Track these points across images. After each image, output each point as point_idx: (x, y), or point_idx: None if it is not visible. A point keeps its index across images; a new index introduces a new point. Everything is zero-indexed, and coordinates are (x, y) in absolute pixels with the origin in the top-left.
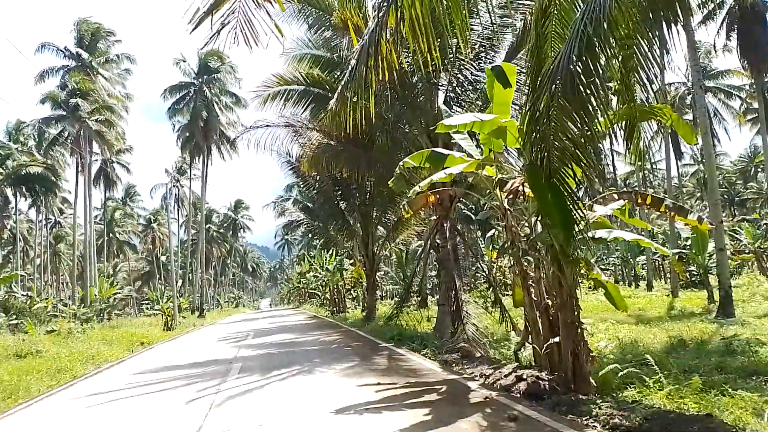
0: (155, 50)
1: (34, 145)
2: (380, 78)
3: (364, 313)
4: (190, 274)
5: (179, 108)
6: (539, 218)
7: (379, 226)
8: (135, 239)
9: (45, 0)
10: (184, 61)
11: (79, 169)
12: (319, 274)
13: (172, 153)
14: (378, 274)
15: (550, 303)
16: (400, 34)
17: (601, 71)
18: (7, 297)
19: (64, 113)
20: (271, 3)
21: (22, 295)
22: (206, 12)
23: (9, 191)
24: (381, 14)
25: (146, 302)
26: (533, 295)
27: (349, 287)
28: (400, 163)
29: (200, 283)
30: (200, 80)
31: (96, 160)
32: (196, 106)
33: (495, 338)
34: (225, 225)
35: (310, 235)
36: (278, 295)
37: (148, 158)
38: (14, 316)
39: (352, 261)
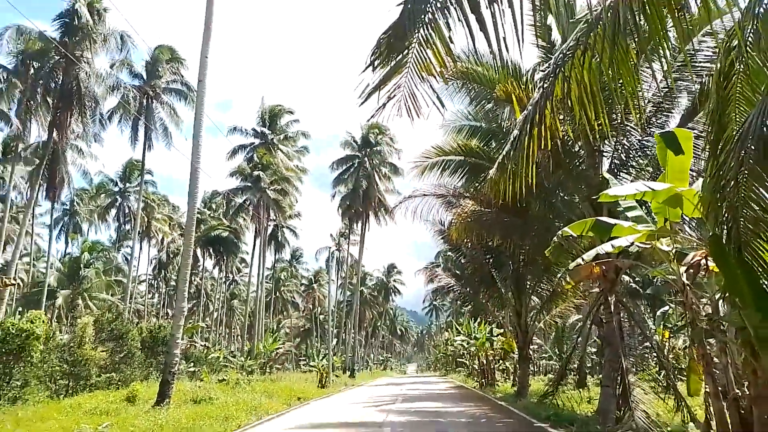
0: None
1: (222, 212)
2: (542, 147)
3: (515, 388)
4: (344, 334)
5: (344, 178)
6: (725, 296)
7: (533, 297)
8: (298, 298)
9: (233, 81)
10: (352, 138)
11: (256, 233)
12: (468, 342)
13: (333, 218)
14: (530, 347)
15: (740, 394)
16: (566, 104)
17: None
18: (189, 345)
19: (249, 184)
20: (435, 77)
21: (201, 345)
22: (375, 87)
23: (199, 252)
24: (547, 85)
25: (303, 358)
26: (718, 384)
27: (499, 358)
28: (559, 232)
29: (352, 344)
30: (363, 153)
31: (269, 225)
32: (359, 176)
33: (669, 429)
34: (378, 288)
35: (458, 302)
36: (425, 361)
37: (313, 223)
38: (192, 364)
39: (502, 331)
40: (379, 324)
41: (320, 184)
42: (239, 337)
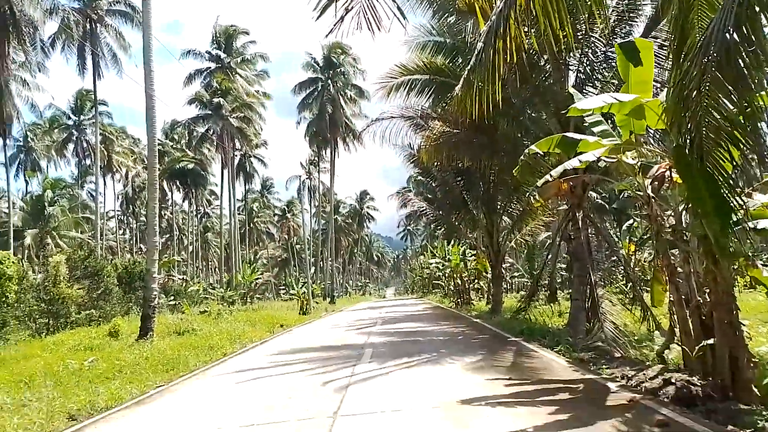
0: (281, 44)
1: (185, 143)
2: (507, 61)
3: (490, 306)
4: (321, 262)
5: (308, 103)
6: (689, 207)
7: (504, 216)
8: (272, 229)
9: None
10: (313, 59)
11: (223, 163)
12: (443, 264)
13: (301, 146)
14: (503, 265)
15: (701, 301)
16: (531, 12)
17: (762, 41)
18: (167, 280)
19: (209, 112)
20: None
21: (179, 278)
22: None
23: (165, 185)
24: None
25: (283, 287)
26: (681, 293)
27: (473, 278)
28: (526, 150)
29: (330, 271)
30: (326, 75)
31: (236, 156)
32: (323, 100)
33: (635, 338)
34: (351, 215)
35: (432, 226)
36: (402, 285)
37: (280, 152)
38: (172, 297)
39: (476, 252)
40: (355, 251)
41: (283, 110)
42: (217, 269)
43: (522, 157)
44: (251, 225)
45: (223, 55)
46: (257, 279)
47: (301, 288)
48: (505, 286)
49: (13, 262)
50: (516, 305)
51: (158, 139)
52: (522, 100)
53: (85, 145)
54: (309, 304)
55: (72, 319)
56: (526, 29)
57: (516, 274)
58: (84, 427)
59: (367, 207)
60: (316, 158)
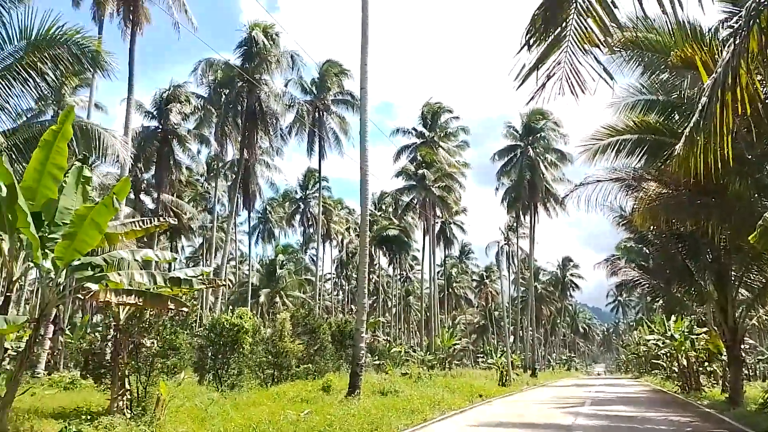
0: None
1: (392, 212)
2: (739, 113)
3: (725, 394)
4: (521, 331)
5: (506, 170)
6: None
7: (741, 289)
8: (470, 294)
9: (393, 82)
10: (512, 128)
11: (425, 230)
12: (663, 342)
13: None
14: (742, 346)
15: None
16: (765, 60)
17: None
18: (373, 340)
19: (414, 183)
20: (600, 48)
21: (383, 339)
22: (532, 67)
23: (373, 250)
24: (738, 41)
25: (481, 355)
26: None
27: (703, 360)
28: (766, 213)
29: (531, 341)
30: (525, 141)
31: (437, 223)
32: (522, 166)
33: None
34: (553, 283)
35: (648, 298)
36: (614, 362)
37: (479, 218)
38: (377, 357)
39: (705, 329)
40: (558, 321)
41: (482, 177)
42: (417, 332)
43: (761, 222)
44: (450, 290)
45: (427, 132)
46: (455, 344)
47: (500, 357)
48: (745, 371)
49: (250, 317)
50: (763, 396)
51: (369, 209)
52: (759, 156)
53: (308, 215)
54: (509, 375)
55: (292, 371)
56: (760, 77)
57: (761, 357)
58: None
59: (571, 274)
60: (515, 224)
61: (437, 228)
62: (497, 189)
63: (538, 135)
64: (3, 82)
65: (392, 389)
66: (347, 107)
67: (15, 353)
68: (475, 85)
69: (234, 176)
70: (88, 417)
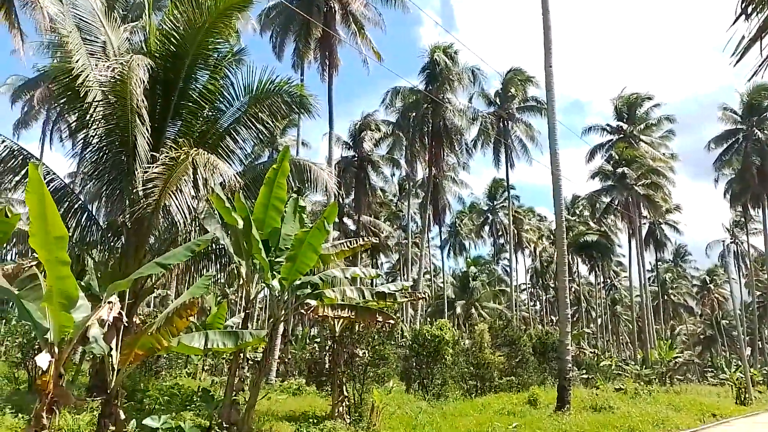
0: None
1: (588, 215)
2: None
3: None
4: (759, 342)
5: (725, 159)
6: None
7: None
8: (690, 301)
9: (579, 79)
10: (729, 110)
11: (630, 233)
12: None
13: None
14: None
15: None
16: None
17: None
18: (578, 352)
19: (613, 183)
20: None
21: (590, 351)
22: (753, 37)
23: (570, 258)
24: None
25: (710, 369)
26: None
27: None
28: None
29: None
30: (748, 123)
31: (644, 224)
32: (747, 152)
33: None
34: None
35: None
36: None
37: (696, 215)
38: (584, 371)
39: None
40: None
41: (697, 169)
42: (628, 344)
43: None
44: (665, 297)
45: (624, 126)
46: (676, 357)
47: (734, 372)
48: None
49: (449, 328)
50: None
51: (563, 215)
52: None
53: (498, 226)
54: (748, 392)
55: (495, 383)
56: None
57: None
58: None
59: None
60: (742, 219)
61: (645, 230)
62: (716, 181)
63: (766, 114)
64: (234, 132)
65: (606, 405)
66: (533, 113)
67: (252, 362)
68: (677, 66)
69: (424, 194)
70: (314, 421)
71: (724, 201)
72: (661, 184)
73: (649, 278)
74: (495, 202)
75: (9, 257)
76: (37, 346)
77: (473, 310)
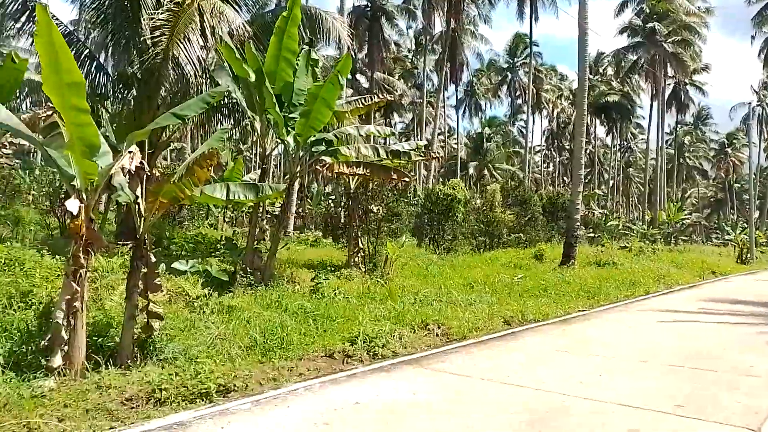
0: None
1: (612, 75)
2: None
3: None
4: None
5: (767, 15)
6: None
7: None
8: (706, 165)
9: None
10: None
11: (653, 94)
12: None
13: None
14: None
15: None
16: None
17: None
18: (587, 212)
19: (641, 40)
20: None
21: (599, 212)
22: None
23: (588, 119)
24: None
25: (715, 231)
26: None
27: None
28: None
29: None
30: None
31: (669, 84)
32: None
33: None
34: None
35: None
36: None
37: (723, 76)
38: (591, 230)
39: None
40: None
41: (733, 24)
42: (637, 206)
43: None
44: (680, 160)
45: None
46: (683, 219)
47: (740, 233)
48: None
49: (461, 188)
50: None
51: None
52: None
53: (516, 85)
54: (750, 253)
55: (503, 240)
56: None
57: None
58: (517, 332)
59: None
60: None
61: (668, 91)
62: (753, 38)
63: None
64: None
65: (610, 261)
66: None
67: (270, 215)
68: None
69: (441, 50)
70: (332, 269)
71: (759, 61)
72: (692, 42)
73: (667, 141)
74: (515, 59)
75: (24, 107)
76: (62, 195)
77: (486, 171)
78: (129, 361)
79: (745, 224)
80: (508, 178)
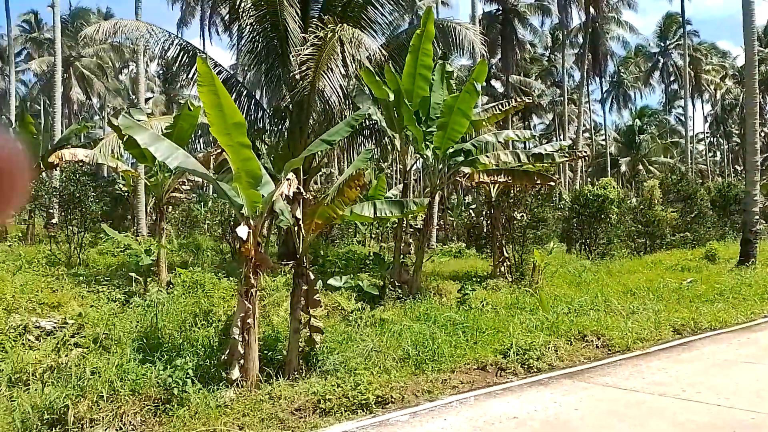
0: None
1: None
2: None
3: None
4: None
5: None
6: None
7: None
8: None
9: None
10: None
11: None
12: None
13: None
14: None
15: None
16: None
17: None
18: (766, 203)
19: None
20: None
21: None
22: None
23: (760, 98)
24: None
25: None
26: None
27: None
28: None
29: None
30: None
31: None
32: None
33: None
34: None
35: None
36: None
37: None
38: None
39: None
40: None
41: None
42: None
43: None
44: None
45: None
46: None
47: None
48: None
49: (613, 187)
50: None
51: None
52: None
53: (670, 69)
54: None
55: (667, 240)
56: None
57: None
58: (690, 341)
59: None
60: None
61: None
62: None
63: None
64: (378, 2)
65: None
66: None
67: (414, 229)
68: None
69: (581, 42)
70: (477, 279)
71: None
72: None
73: None
74: (667, 42)
75: (197, 147)
76: (232, 222)
77: (640, 167)
78: (296, 373)
79: None
80: (667, 172)
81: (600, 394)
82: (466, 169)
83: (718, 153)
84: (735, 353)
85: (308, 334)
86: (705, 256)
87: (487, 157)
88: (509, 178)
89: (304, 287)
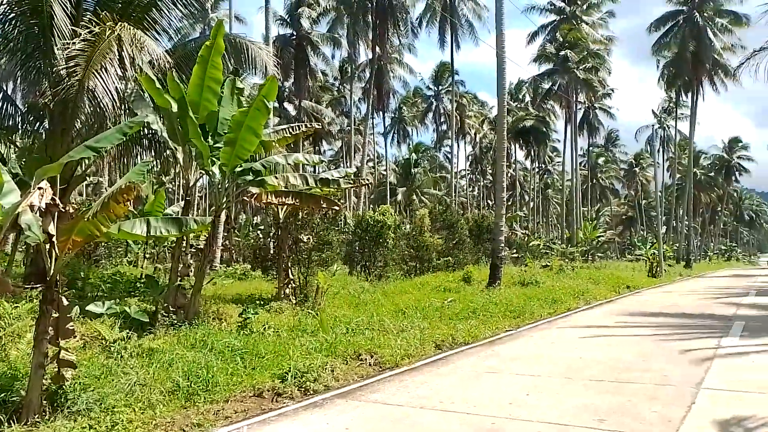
0: None
1: (529, 101)
2: None
3: None
4: (675, 221)
5: (665, 42)
6: None
7: None
8: (617, 184)
9: None
10: None
11: (567, 118)
12: None
13: (654, 92)
14: None
15: None
16: None
17: None
18: (510, 234)
19: (555, 67)
20: None
21: (521, 233)
22: None
23: (509, 144)
24: None
25: (628, 247)
26: None
27: None
28: None
29: (686, 232)
30: (691, 5)
31: (580, 108)
32: (685, 36)
33: None
34: (715, 168)
35: None
36: None
37: (629, 101)
38: (515, 250)
39: None
40: (719, 209)
41: (637, 53)
42: (556, 226)
43: None
44: (594, 180)
45: (566, 6)
46: (599, 237)
47: (650, 248)
48: None
49: (391, 213)
50: None
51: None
52: None
53: (441, 111)
54: (660, 267)
55: (433, 263)
56: None
57: None
58: (448, 356)
59: (738, 157)
60: (673, 104)
61: (580, 115)
62: (658, 64)
63: None
64: (160, 3)
65: (533, 280)
66: None
67: (195, 250)
68: None
69: (367, 78)
70: (261, 302)
71: (660, 86)
72: (600, 67)
73: (581, 162)
74: (440, 88)
75: None
76: None
77: (414, 197)
78: (36, 417)
79: (654, 239)
80: (435, 203)
81: (370, 411)
82: (255, 189)
83: (476, 188)
84: (482, 365)
85: (56, 369)
86: (463, 279)
87: (276, 178)
88: (297, 200)
89: (54, 315)
